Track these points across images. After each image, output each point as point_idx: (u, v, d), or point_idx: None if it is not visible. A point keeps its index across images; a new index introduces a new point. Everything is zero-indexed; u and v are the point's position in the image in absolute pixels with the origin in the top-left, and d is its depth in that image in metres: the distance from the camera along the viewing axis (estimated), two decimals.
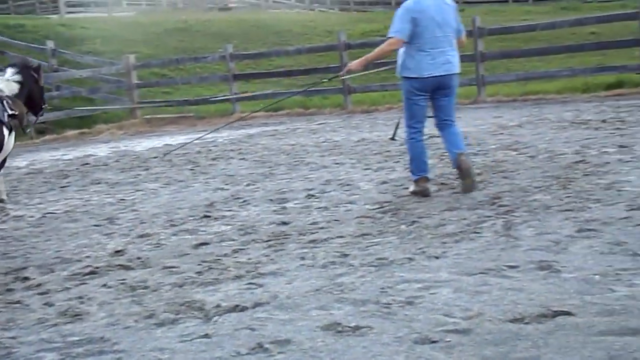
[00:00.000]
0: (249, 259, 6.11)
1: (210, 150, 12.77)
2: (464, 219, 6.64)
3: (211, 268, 5.95)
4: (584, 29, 19.03)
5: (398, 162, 9.84)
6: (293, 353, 4.17)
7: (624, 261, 5.08)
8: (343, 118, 15.80)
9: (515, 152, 9.55)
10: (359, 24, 30.11)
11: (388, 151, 10.72)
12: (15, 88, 8.47)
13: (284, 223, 7.20)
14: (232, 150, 12.53)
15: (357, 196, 8.07)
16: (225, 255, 6.31)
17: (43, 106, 9.00)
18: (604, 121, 11.25)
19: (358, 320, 4.51)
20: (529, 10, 35.17)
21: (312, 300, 4.97)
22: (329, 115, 16.51)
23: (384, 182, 8.65)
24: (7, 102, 8.05)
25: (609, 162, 8.30)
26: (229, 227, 7.28)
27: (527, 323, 4.23)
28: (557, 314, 4.30)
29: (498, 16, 30.29)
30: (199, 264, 6.09)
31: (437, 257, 5.63)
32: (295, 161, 10.75)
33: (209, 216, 7.82)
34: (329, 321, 4.54)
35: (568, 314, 4.29)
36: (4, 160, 8.27)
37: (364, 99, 17.37)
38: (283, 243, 6.48)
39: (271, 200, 8.30)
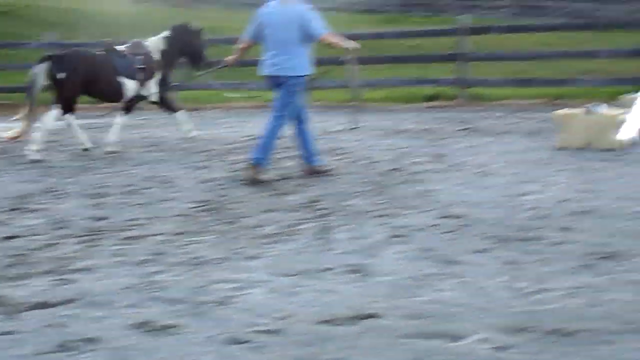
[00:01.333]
0: (61, 254, 5.91)
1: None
2: (283, 220, 6.71)
3: (20, 262, 5.71)
4: (407, 41, 19.62)
5: (223, 161, 9.82)
6: (100, 351, 4.07)
7: (431, 266, 5.29)
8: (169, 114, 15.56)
9: (335, 157, 9.74)
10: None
11: (212, 150, 10.68)
12: (160, 45, 10.81)
13: (100, 218, 7.02)
14: (50, 142, 12.08)
15: (178, 194, 7.99)
16: (35, 249, 6.08)
17: (202, 62, 11.02)
18: (421, 131, 11.67)
19: (169, 319, 4.46)
20: (356, 19, 35.96)
21: (123, 297, 4.87)
22: (155, 111, 16.23)
23: (206, 181, 8.61)
24: (142, 57, 10.60)
25: (423, 171, 8.61)
26: (42, 220, 7.02)
27: (337, 325, 4.32)
28: (366, 316, 4.42)
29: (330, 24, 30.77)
30: (7, 258, 5.83)
31: (253, 258, 5.65)
32: (116, 156, 10.51)
33: (20, 209, 7.51)
34: (140, 319, 4.47)
35: (377, 316, 4.42)
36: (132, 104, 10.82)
37: (191, 97, 17.20)
38: (98, 239, 6.32)
39: (88, 194, 8.07)
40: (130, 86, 10.60)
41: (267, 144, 8.40)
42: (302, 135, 8.67)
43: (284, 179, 8.52)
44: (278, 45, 8.28)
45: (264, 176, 8.40)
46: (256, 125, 12.60)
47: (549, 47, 17.39)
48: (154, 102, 11.05)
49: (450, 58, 15.25)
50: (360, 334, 4.18)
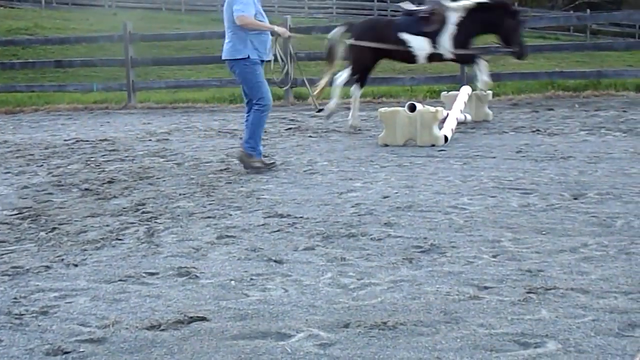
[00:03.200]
0: None
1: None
2: (107, 225, 6.55)
3: None
4: None
5: (41, 165, 9.48)
6: None
7: (258, 267, 5.31)
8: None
9: (162, 159, 9.61)
10: (6, 20, 28.63)
11: (31, 155, 10.29)
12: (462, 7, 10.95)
13: None
14: None
15: None
16: None
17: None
18: None
19: None
20: (182, 19, 35.70)
21: None
22: None
23: (25, 187, 8.28)
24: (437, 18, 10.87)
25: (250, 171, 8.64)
26: None
27: (163, 330, 4.26)
28: (192, 319, 4.38)
29: (152, 23, 30.37)
30: None
31: (76, 265, 5.49)
32: None
33: None
34: None
35: (203, 319, 4.39)
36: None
37: (9, 99, 16.53)
38: None
39: None
40: (421, 46, 10.97)
41: (252, 133, 8.54)
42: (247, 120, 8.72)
43: (108, 182, 8.32)
44: (225, 30, 8.62)
45: (257, 164, 8.57)
46: (79, 127, 12.28)
47: None
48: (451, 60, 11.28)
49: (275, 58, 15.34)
50: (186, 338, 4.14)
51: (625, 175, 7.60)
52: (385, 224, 6.23)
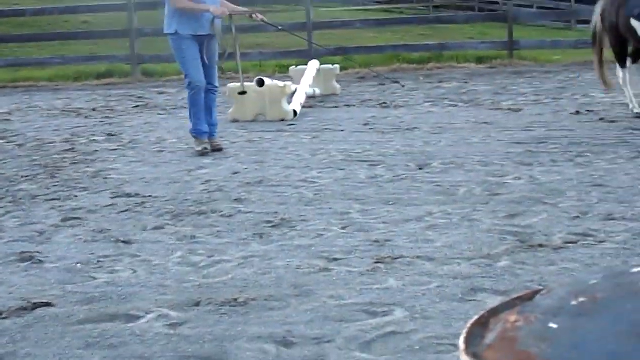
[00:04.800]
0: None
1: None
2: None
3: None
4: (77, 17, 19.04)
5: None
6: None
7: (106, 248, 5.18)
8: None
9: (2, 141, 9.23)
10: None
11: None
12: None
13: None
14: None
15: None
16: None
17: None
18: (94, 110, 11.41)
19: None
20: None
21: None
22: None
23: None
24: None
25: (97, 151, 8.43)
26: None
27: (5, 318, 4.10)
28: (37, 306, 4.23)
29: None
30: None
31: None
32: None
33: None
34: None
35: (49, 305, 4.24)
36: None
37: None
38: None
39: None
40: None
41: (191, 113, 8.08)
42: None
43: None
44: None
45: (198, 147, 8.11)
46: None
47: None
48: None
49: (123, 34, 15.01)
50: (30, 325, 3.99)
51: (468, 145, 7.86)
52: (236, 200, 6.21)
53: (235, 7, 8.37)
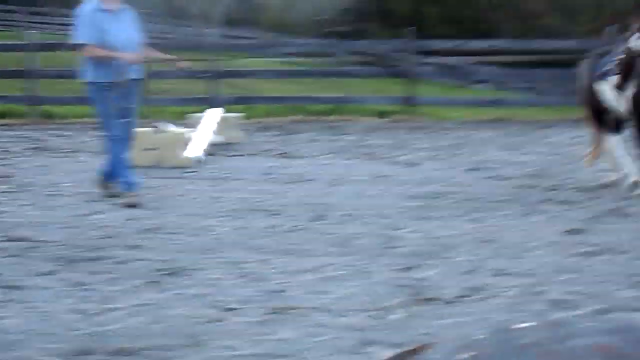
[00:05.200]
0: None
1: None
2: None
3: None
4: None
5: None
6: None
7: None
8: None
9: None
10: None
11: None
12: None
13: None
14: None
15: None
16: None
17: None
18: None
19: None
20: None
21: None
22: None
23: None
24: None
25: None
26: None
27: None
28: None
29: None
30: None
31: None
32: None
33: None
34: None
35: None
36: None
37: None
38: None
39: None
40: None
41: (116, 166, 7.66)
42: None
43: None
44: None
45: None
46: None
47: None
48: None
49: (19, 75, 14.70)
50: None
51: (365, 198, 7.96)
52: (131, 246, 6.10)
53: (159, 54, 8.22)
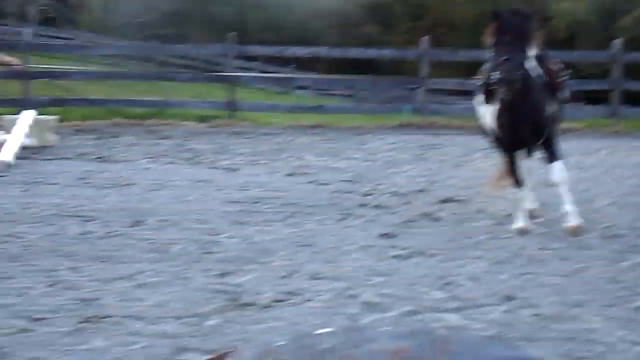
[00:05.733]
0: None
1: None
2: None
3: None
4: None
5: None
6: None
7: None
8: None
9: None
10: None
11: None
12: None
13: None
14: None
15: None
16: None
17: None
18: None
19: None
20: None
21: None
22: None
23: None
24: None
25: None
26: None
27: None
28: None
29: None
30: None
31: None
32: None
33: None
34: None
35: None
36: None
37: None
38: None
39: None
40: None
41: None
42: None
43: None
44: None
45: None
46: None
47: None
48: None
49: None
50: None
51: (184, 203, 7.88)
52: None
53: None
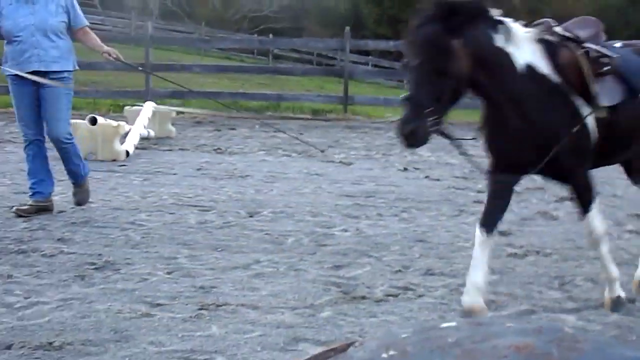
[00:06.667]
0: None
1: None
2: None
3: None
4: None
5: None
6: None
7: None
8: None
9: None
10: None
11: None
12: None
13: None
14: None
15: None
16: None
17: None
18: None
19: None
20: None
21: None
22: None
23: None
24: None
25: None
26: None
27: None
28: None
29: None
30: None
31: None
32: None
33: None
34: None
35: None
36: None
37: None
38: None
39: None
40: None
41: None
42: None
43: None
44: None
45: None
46: None
47: None
48: None
49: None
50: None
51: (298, 195, 7.96)
52: (59, 239, 6.00)
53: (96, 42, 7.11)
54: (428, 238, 6.40)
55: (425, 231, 6.62)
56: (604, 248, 4.66)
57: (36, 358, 3.86)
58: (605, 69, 4.46)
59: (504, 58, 4.25)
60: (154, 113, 11.64)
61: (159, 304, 4.67)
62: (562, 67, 4.40)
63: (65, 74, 6.80)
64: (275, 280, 5.18)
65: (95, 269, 5.32)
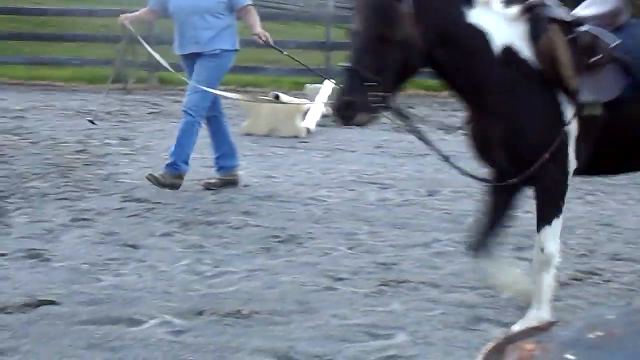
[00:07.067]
0: None
1: None
2: None
3: None
4: (96, 20, 19.10)
5: None
6: None
7: (113, 251, 5.20)
8: None
9: (16, 137, 9.25)
10: None
11: None
12: None
13: None
14: None
15: None
16: None
17: None
18: (108, 113, 11.42)
19: None
20: None
21: None
22: None
23: None
24: None
25: (109, 154, 8.45)
26: None
27: (9, 313, 4.12)
28: (41, 303, 4.25)
29: None
30: None
31: None
32: None
33: None
34: None
35: (53, 303, 4.27)
36: None
37: None
38: None
39: None
40: None
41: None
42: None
43: None
44: None
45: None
46: None
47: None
48: None
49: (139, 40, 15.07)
50: (33, 322, 4.01)
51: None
52: (244, 212, 6.22)
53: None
54: (614, 222, 6.18)
55: (611, 215, 6.39)
56: (549, 274, 3.99)
57: (226, 324, 4.03)
58: (595, 59, 3.72)
59: (477, 37, 3.72)
60: (334, 90, 11.77)
61: (341, 278, 4.76)
62: (539, 55, 3.78)
63: (218, 51, 6.91)
64: (455, 260, 5.15)
65: (280, 242, 5.48)
